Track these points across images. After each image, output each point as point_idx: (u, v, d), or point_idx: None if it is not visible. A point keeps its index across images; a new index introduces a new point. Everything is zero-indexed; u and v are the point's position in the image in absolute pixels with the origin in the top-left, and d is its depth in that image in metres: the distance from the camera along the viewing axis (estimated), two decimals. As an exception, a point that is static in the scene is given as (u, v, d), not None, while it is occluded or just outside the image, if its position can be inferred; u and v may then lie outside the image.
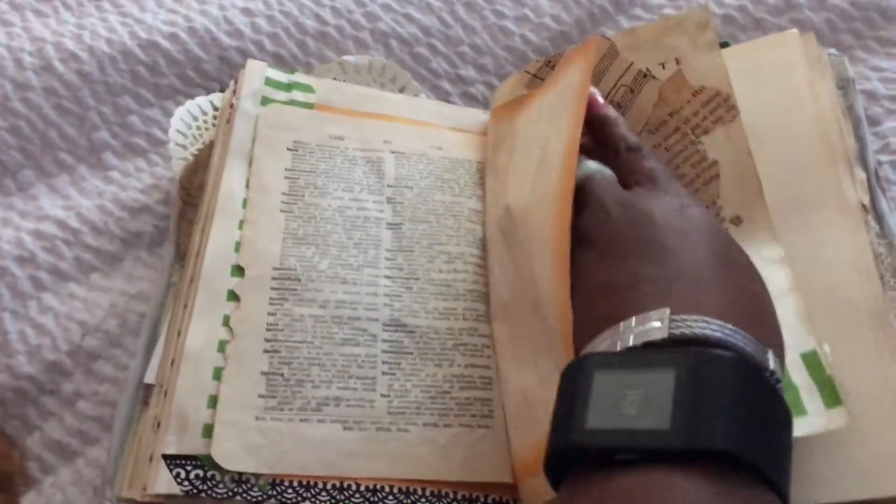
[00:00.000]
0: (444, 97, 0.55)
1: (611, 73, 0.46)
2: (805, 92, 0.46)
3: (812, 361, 0.36)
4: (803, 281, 0.40)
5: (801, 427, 0.34)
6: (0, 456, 0.44)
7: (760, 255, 0.37)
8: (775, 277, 0.37)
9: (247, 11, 0.57)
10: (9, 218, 0.51)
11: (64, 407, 0.45)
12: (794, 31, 0.48)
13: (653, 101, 0.44)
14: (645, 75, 0.44)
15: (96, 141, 0.53)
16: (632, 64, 0.45)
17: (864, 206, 0.42)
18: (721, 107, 0.42)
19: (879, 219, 0.43)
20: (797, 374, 0.36)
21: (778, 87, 0.46)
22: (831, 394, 0.35)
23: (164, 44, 0.55)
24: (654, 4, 0.57)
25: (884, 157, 0.48)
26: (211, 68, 0.55)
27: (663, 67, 0.44)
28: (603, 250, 0.36)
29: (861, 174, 0.44)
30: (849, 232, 0.41)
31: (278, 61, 0.55)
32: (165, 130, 0.52)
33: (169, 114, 0.53)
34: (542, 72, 0.48)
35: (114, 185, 0.52)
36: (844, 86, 0.47)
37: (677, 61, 0.43)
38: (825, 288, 0.40)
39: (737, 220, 0.39)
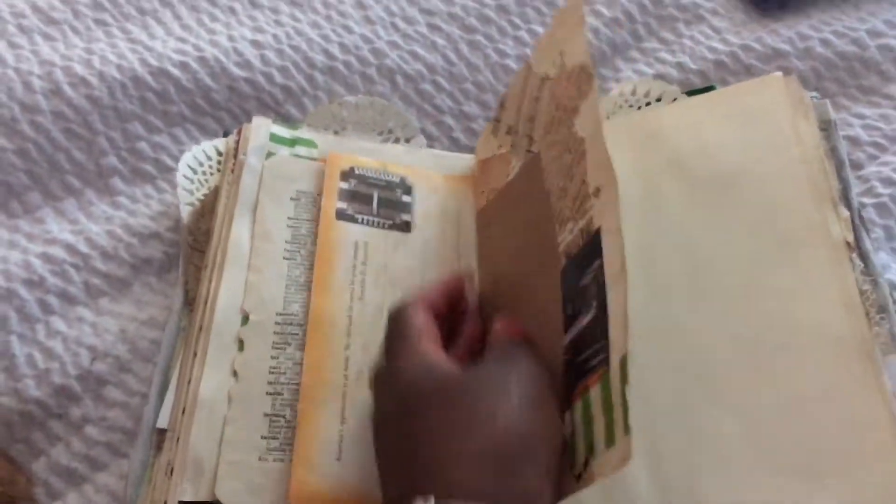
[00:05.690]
0: (448, 132, 0.56)
1: (528, 92, 0.46)
2: (789, 133, 0.47)
3: (624, 370, 0.32)
4: (792, 317, 0.42)
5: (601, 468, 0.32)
6: (6, 481, 0.44)
7: (609, 229, 0.36)
8: (611, 256, 0.35)
9: (256, 44, 0.58)
10: (15, 240, 0.51)
11: (72, 432, 0.45)
12: (778, 74, 0.50)
13: (548, 101, 0.44)
14: (544, 79, 0.44)
15: (104, 166, 0.53)
16: (538, 73, 0.45)
17: (848, 243, 0.44)
18: (584, 81, 0.40)
19: (864, 256, 0.45)
20: (616, 385, 0.32)
21: (762, 129, 0.47)
22: (626, 418, 0.31)
23: (175, 72, 0.56)
24: (649, 48, 0.60)
25: (867, 200, 0.50)
26: (220, 98, 0.56)
27: (554, 65, 0.43)
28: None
29: (845, 213, 0.45)
30: (835, 268, 0.43)
31: (286, 94, 0.56)
32: (174, 157, 0.53)
33: (178, 141, 0.54)
34: (499, 113, 0.50)
35: (122, 211, 0.52)
36: (827, 128, 0.49)
37: (561, 54, 0.43)
38: (813, 323, 0.41)
39: (597, 192, 0.37)
